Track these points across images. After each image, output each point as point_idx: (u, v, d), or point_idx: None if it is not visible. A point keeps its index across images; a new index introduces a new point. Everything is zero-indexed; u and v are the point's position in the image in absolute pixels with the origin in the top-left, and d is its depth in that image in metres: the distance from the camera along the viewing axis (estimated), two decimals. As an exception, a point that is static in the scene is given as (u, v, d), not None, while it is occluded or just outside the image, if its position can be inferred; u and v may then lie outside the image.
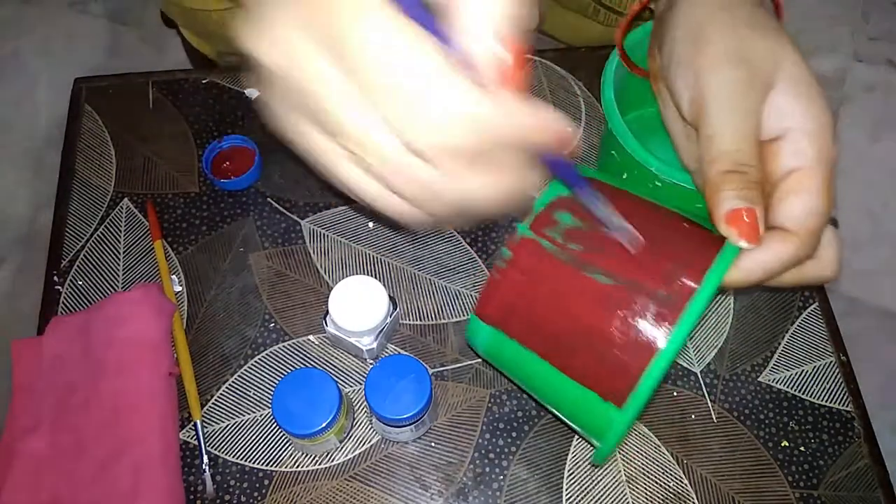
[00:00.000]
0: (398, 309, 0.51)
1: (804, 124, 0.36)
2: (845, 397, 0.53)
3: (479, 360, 0.53)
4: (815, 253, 0.37)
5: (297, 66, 0.26)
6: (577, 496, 0.50)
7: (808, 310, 0.56)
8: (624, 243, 0.35)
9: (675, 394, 0.53)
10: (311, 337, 0.54)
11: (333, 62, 0.25)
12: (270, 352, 0.54)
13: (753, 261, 0.35)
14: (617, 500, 0.50)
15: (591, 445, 0.43)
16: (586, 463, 0.51)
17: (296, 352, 0.54)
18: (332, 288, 0.49)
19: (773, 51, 0.37)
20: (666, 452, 0.51)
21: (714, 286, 0.34)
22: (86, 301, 0.55)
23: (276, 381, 0.52)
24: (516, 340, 0.38)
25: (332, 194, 0.59)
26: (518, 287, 0.37)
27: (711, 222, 0.37)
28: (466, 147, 0.25)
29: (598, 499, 0.50)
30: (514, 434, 0.51)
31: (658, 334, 0.34)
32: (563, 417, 0.42)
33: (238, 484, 0.49)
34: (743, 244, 0.35)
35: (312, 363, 0.53)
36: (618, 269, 0.35)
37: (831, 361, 0.55)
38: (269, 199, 0.59)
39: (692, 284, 0.34)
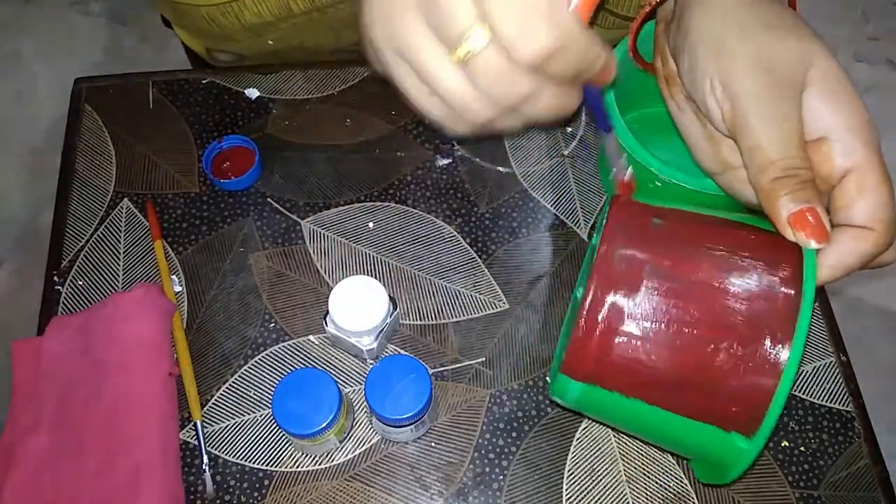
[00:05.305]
0: (398, 309, 0.51)
1: (846, 121, 0.37)
2: (845, 397, 0.53)
3: (480, 360, 0.54)
4: None
5: None
6: (577, 496, 0.50)
7: (808, 310, 0.56)
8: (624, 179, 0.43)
9: (675, 394, 0.53)
10: (311, 337, 0.54)
11: None
12: (270, 352, 0.54)
13: (838, 261, 0.36)
14: (617, 500, 0.50)
15: (701, 465, 0.42)
16: (586, 463, 0.51)
17: (296, 352, 0.54)
18: (332, 288, 0.49)
19: (797, 51, 0.37)
20: (666, 452, 0.51)
21: (813, 294, 0.34)
22: (86, 301, 0.55)
23: (276, 381, 0.52)
24: (617, 392, 0.36)
25: (332, 194, 0.59)
26: (610, 341, 0.35)
27: (776, 230, 0.37)
28: (551, 48, 0.29)
29: (598, 499, 0.50)
30: (514, 434, 0.51)
31: (777, 355, 0.33)
32: (677, 452, 0.41)
33: (238, 484, 0.49)
34: (814, 245, 0.35)
35: (312, 363, 0.53)
36: (710, 301, 0.34)
37: (831, 361, 0.55)
38: (269, 199, 0.59)
39: (791, 292, 0.34)
